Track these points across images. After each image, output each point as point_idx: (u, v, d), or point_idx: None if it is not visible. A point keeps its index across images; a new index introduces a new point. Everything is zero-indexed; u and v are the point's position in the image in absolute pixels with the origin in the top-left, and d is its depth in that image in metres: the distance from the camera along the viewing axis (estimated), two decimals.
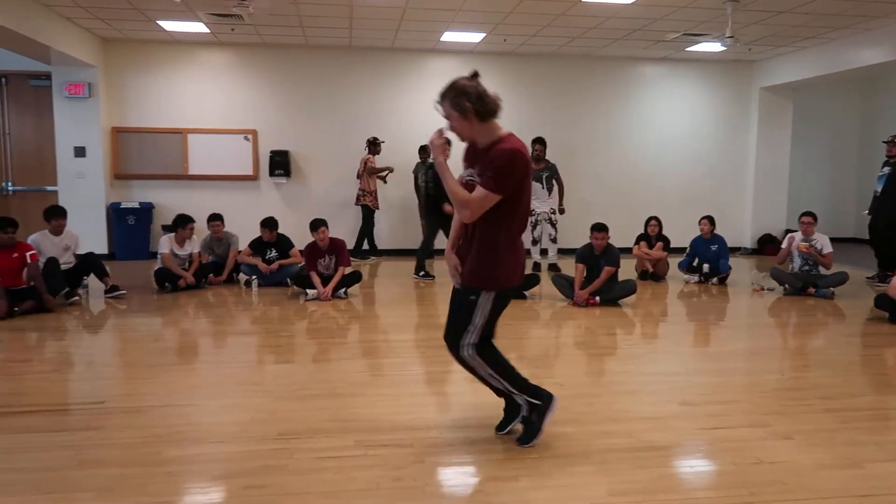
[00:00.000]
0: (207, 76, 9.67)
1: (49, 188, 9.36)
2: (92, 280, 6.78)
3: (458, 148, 3.01)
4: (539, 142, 8.56)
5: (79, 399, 3.81)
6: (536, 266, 8.55)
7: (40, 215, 6.54)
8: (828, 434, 3.24)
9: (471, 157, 2.97)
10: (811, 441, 3.15)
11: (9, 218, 5.88)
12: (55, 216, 6.44)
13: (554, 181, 8.59)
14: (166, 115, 9.58)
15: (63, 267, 6.32)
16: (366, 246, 9.53)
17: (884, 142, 8.30)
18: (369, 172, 9.27)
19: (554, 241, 8.63)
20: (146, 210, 9.38)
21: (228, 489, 2.64)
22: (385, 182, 9.65)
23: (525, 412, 3.09)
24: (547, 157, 8.60)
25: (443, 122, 2.97)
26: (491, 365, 2.99)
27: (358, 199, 9.36)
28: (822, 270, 7.17)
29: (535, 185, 8.50)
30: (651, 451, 3.01)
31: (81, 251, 6.71)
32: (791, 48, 9.66)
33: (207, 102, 9.67)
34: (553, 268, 8.39)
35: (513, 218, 2.85)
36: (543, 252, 8.76)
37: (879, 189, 8.00)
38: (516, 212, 2.85)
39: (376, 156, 9.40)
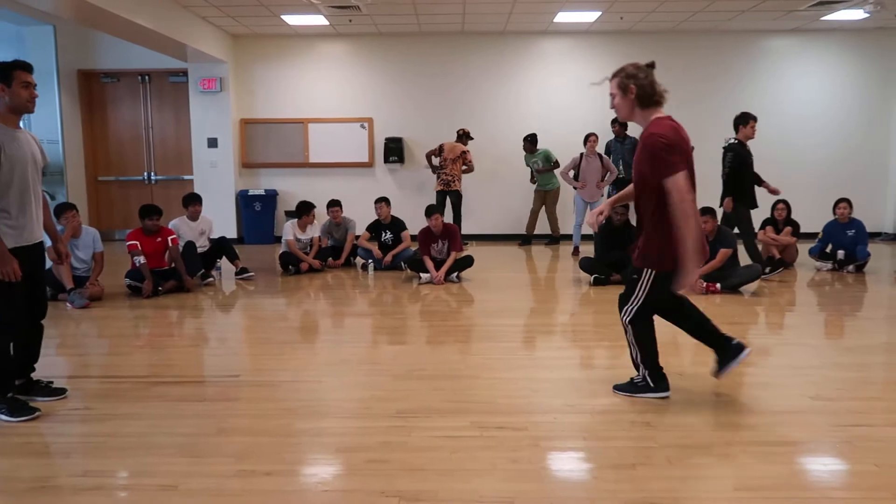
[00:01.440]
0: (326, 67, 10.05)
1: (186, 177, 10.11)
2: (224, 262, 7.27)
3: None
4: (623, 125, 8.37)
5: (216, 372, 4.12)
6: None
7: (179, 202, 7.08)
8: None
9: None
10: None
11: (154, 206, 6.40)
12: (192, 203, 6.95)
13: None
14: (289, 105, 10.06)
15: (199, 250, 6.81)
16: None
17: None
18: (467, 168, 9.08)
19: None
20: (271, 197, 9.92)
21: (352, 462, 2.77)
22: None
23: (639, 379, 3.44)
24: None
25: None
26: (636, 336, 3.36)
27: (449, 184, 9.02)
28: None
29: None
30: (781, 447, 2.86)
31: (214, 235, 7.20)
32: None
33: (326, 92, 10.06)
34: None
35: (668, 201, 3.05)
36: None
37: None
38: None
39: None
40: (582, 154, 8.45)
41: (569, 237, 9.21)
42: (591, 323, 5.33)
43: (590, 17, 8.92)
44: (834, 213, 7.52)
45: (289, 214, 9.03)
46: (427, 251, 6.89)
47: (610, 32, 9.78)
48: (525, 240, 9.69)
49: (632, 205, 3.55)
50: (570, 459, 2.83)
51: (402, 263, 7.39)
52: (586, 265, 6.75)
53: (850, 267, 7.22)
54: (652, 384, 3.38)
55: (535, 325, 5.24)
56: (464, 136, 9.23)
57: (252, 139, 10.10)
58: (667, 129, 3.03)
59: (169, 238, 6.37)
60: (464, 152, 9.05)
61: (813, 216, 8.23)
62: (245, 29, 9.49)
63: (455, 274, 6.89)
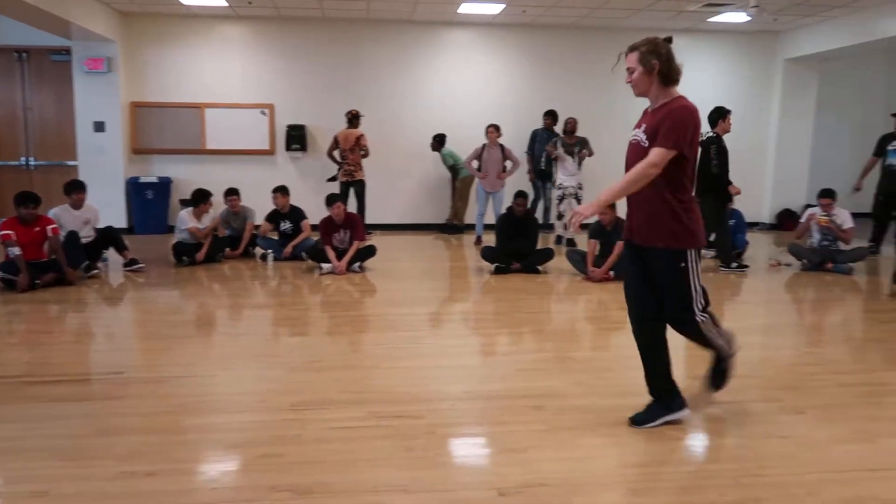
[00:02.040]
0: (225, 50, 9.67)
1: (69, 163, 9.47)
2: (111, 253, 6.88)
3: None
4: (553, 117, 8.62)
5: (99, 369, 3.89)
6: (559, 239, 8.56)
7: (61, 190, 6.62)
8: (841, 409, 3.23)
9: (642, 118, 3.11)
10: (824, 416, 3.15)
11: (31, 193, 5.95)
12: (75, 190, 6.52)
13: (584, 154, 8.58)
14: (184, 89, 9.61)
15: (83, 240, 6.40)
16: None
17: (892, 115, 8.19)
18: (364, 153, 8.93)
19: None
20: (164, 185, 9.47)
21: (244, 457, 2.69)
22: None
23: (716, 362, 3.10)
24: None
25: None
26: (715, 322, 3.05)
27: (352, 174, 8.88)
28: (842, 246, 7.06)
29: (567, 159, 8.50)
30: (664, 425, 3.02)
31: (101, 225, 6.79)
32: (817, 18, 9.42)
33: (225, 77, 9.68)
34: (570, 243, 8.36)
35: (691, 176, 2.92)
36: (566, 226, 8.74)
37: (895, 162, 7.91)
38: (693, 169, 2.94)
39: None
40: (484, 145, 8.57)
41: (470, 227, 9.36)
42: (492, 311, 5.43)
43: (494, 9, 9.03)
44: None
45: (184, 203, 8.64)
46: (329, 241, 6.79)
47: (514, 25, 9.95)
48: (455, 229, 9.83)
49: None
50: (465, 445, 2.87)
51: (303, 254, 7.24)
52: (488, 254, 6.87)
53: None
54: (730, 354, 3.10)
55: (436, 313, 5.28)
56: (354, 119, 9.02)
57: (143, 124, 9.58)
58: (696, 112, 2.92)
59: (48, 228, 5.95)
60: (358, 138, 8.90)
61: None
62: (136, 6, 8.97)
63: (357, 264, 6.82)
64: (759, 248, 8.50)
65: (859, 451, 2.78)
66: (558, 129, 9.34)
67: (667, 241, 2.87)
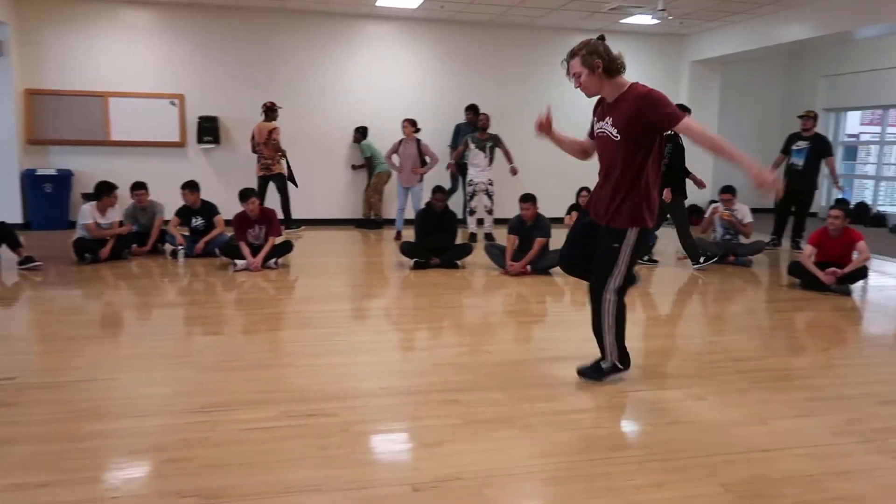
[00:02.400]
0: (131, 37, 9.20)
1: None
2: (4, 251, 6.43)
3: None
4: (475, 111, 8.71)
5: None
6: (472, 236, 8.60)
7: None
8: (738, 394, 3.42)
9: (602, 111, 3.25)
10: (723, 401, 3.31)
11: None
12: None
13: (496, 151, 8.63)
14: (86, 77, 9.09)
15: None
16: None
17: (799, 116, 8.69)
18: (275, 148, 8.78)
19: (490, 212, 8.67)
20: (64, 177, 8.94)
21: (149, 463, 2.58)
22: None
23: (607, 364, 3.43)
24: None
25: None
26: (619, 309, 3.31)
27: (269, 168, 8.78)
28: (742, 239, 7.47)
29: (478, 154, 8.54)
30: (573, 414, 3.11)
31: None
32: (720, 22, 9.91)
33: (131, 65, 9.22)
34: (488, 237, 8.45)
35: (655, 158, 3.14)
36: (479, 222, 8.81)
37: (801, 163, 8.39)
38: (657, 152, 3.16)
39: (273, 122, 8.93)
40: (401, 139, 8.55)
41: (389, 222, 9.33)
42: (411, 306, 5.42)
43: (412, 2, 9.00)
44: None
45: (87, 197, 8.19)
46: (243, 237, 6.60)
47: (432, 20, 9.96)
48: (374, 224, 9.78)
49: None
50: (380, 442, 2.85)
51: (216, 250, 7.01)
52: (407, 249, 6.85)
53: None
54: (620, 366, 3.43)
55: (354, 309, 5.22)
56: (270, 111, 8.81)
57: (40, 113, 9.00)
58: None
59: None
60: (270, 131, 8.70)
61: None
62: None
63: (274, 260, 6.66)
64: (668, 242, 8.86)
65: (754, 434, 2.94)
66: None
67: (615, 220, 3.17)
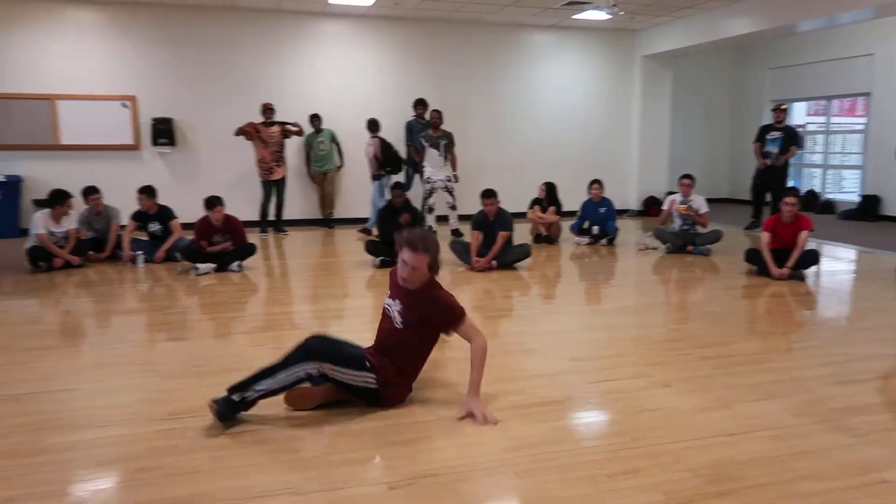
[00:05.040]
0: (77, 37, 8.94)
1: None
2: None
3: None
4: (429, 109, 8.85)
5: None
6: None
7: None
8: (703, 380, 3.50)
9: (398, 292, 3.18)
10: (688, 387, 3.40)
11: None
12: None
13: (450, 149, 8.62)
14: (31, 79, 8.80)
15: None
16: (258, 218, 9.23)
17: (772, 109, 9.37)
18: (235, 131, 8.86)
19: (453, 207, 8.69)
20: (13, 183, 8.64)
21: (117, 474, 2.52)
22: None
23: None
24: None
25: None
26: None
27: (271, 171, 8.93)
28: (700, 229, 7.65)
29: (432, 152, 8.53)
30: (543, 406, 3.15)
31: None
32: (670, 17, 10.11)
33: (78, 66, 8.96)
34: (455, 233, 8.47)
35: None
36: (442, 219, 8.83)
37: (775, 150, 8.97)
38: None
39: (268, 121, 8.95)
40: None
41: (345, 220, 9.29)
42: (377, 305, 5.40)
43: (366, 0, 8.95)
44: (588, 193, 8.40)
45: (38, 203, 7.94)
46: (204, 246, 6.51)
47: (387, 17, 9.92)
48: (327, 223, 9.73)
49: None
50: (353, 441, 2.84)
51: (177, 254, 6.87)
52: (372, 248, 6.83)
53: (604, 240, 8.13)
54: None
55: (319, 310, 5.18)
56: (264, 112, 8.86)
57: None
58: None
59: None
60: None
61: (573, 196, 9.12)
62: None
63: (236, 263, 6.57)
64: (628, 233, 9.03)
65: (719, 418, 3.02)
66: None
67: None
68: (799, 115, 12.80)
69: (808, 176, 12.52)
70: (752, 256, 6.43)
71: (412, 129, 9.40)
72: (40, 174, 8.82)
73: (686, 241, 7.53)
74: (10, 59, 8.71)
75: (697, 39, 9.93)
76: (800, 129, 13.12)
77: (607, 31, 11.04)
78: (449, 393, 3.29)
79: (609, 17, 9.85)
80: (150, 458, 2.63)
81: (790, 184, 11.55)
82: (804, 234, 6.06)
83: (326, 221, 9.84)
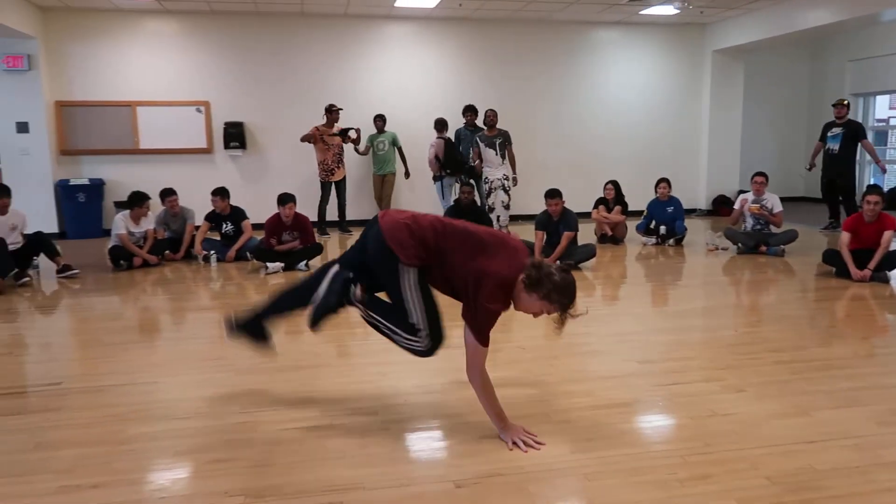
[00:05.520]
0: (155, 46, 9.35)
1: None
2: (43, 260, 6.59)
3: None
4: (479, 115, 8.93)
5: (34, 381, 3.72)
6: None
7: None
8: (778, 385, 3.37)
9: None
10: (762, 392, 3.28)
11: None
12: None
13: (507, 149, 8.59)
14: (113, 87, 9.26)
15: (11, 247, 6.11)
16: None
17: (833, 105, 8.81)
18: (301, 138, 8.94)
19: (507, 207, 8.66)
20: (96, 186, 9.11)
21: (194, 464, 2.63)
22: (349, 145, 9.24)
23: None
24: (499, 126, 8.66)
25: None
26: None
27: (331, 172, 9.04)
28: (773, 229, 7.37)
29: (489, 152, 8.52)
30: (611, 409, 3.10)
31: (29, 230, 6.49)
32: (741, 10, 9.77)
33: (156, 74, 9.37)
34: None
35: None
36: (497, 219, 8.81)
37: (836, 147, 8.61)
38: None
39: (333, 124, 9.09)
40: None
41: None
42: (443, 303, 5.41)
43: (430, 2, 9.02)
44: (655, 192, 8.22)
45: (119, 205, 8.35)
46: (273, 244, 6.70)
47: (451, 19, 9.96)
48: None
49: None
50: (420, 440, 2.87)
51: (248, 254, 7.09)
52: None
53: (671, 241, 7.94)
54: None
55: None
56: (328, 114, 8.95)
57: (70, 124, 9.19)
58: None
59: None
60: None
61: (640, 195, 8.95)
62: (56, 1, 8.58)
63: (304, 262, 6.73)
64: (696, 233, 8.78)
65: (796, 425, 2.91)
66: (480, 122, 9.29)
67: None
68: (882, 108, 12.16)
69: (891, 172, 11.88)
70: (831, 258, 6.15)
71: (460, 138, 9.25)
72: (121, 177, 9.26)
73: (758, 242, 7.27)
74: (96, 69, 9.18)
75: (772, 32, 9.56)
76: (881, 124, 12.49)
77: (675, 25, 10.77)
78: (517, 393, 3.28)
79: (677, 11, 9.60)
80: (225, 450, 2.72)
81: (870, 181, 11.05)
82: (889, 234, 5.76)
83: None
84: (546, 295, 2.61)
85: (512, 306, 2.73)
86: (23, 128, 8.81)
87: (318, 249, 6.91)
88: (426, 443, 2.84)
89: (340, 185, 9.19)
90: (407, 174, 9.61)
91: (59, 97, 9.11)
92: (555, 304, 2.63)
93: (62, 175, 9.13)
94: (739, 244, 7.38)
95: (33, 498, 2.37)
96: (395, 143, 9.55)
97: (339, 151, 9.06)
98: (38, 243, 6.43)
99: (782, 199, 7.49)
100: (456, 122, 9.52)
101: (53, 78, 9.07)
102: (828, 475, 2.47)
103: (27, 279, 6.22)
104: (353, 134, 9.04)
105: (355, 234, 9.26)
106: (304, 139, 8.87)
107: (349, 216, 9.54)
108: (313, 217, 9.08)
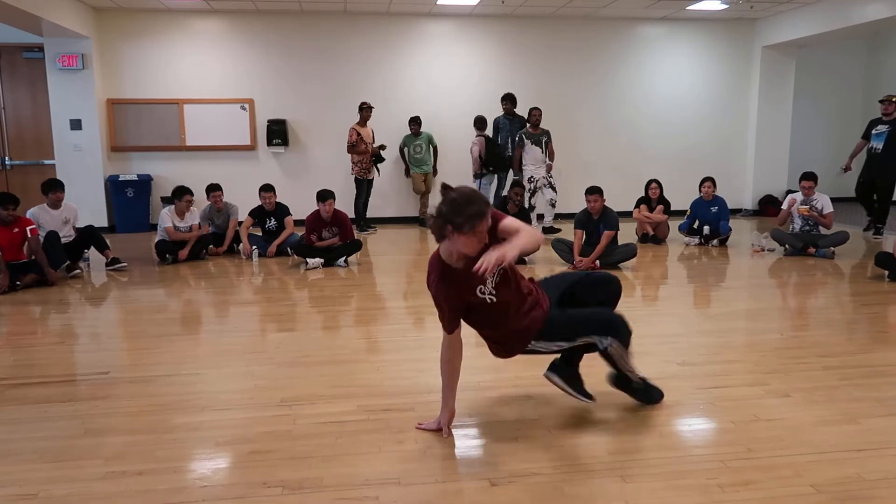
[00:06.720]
0: (202, 45, 9.55)
1: (46, 162, 9.33)
2: (93, 253, 6.80)
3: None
4: (513, 101, 9.13)
5: (84, 370, 3.84)
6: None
7: (38, 189, 6.53)
8: (826, 391, 3.27)
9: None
10: (809, 398, 3.18)
11: (9, 194, 5.86)
12: (53, 189, 6.42)
13: (549, 145, 8.59)
14: (162, 85, 9.49)
15: (63, 240, 6.32)
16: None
17: (880, 101, 8.39)
18: (349, 149, 9.08)
19: (553, 205, 8.61)
20: (144, 182, 9.35)
21: (234, 454, 2.68)
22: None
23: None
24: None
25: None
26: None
27: (366, 170, 9.20)
28: (823, 230, 7.15)
29: (535, 150, 8.49)
30: (651, 411, 3.05)
31: (81, 224, 6.71)
32: (793, 5, 9.49)
33: (202, 72, 9.57)
34: (552, 230, 8.38)
35: None
36: (539, 217, 8.75)
37: (880, 146, 8.10)
38: None
39: (366, 122, 9.16)
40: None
41: None
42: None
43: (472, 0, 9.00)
44: (700, 192, 8.05)
45: (165, 200, 8.56)
46: (318, 238, 6.78)
47: (492, 16, 9.92)
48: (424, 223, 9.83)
49: None
50: (456, 437, 2.86)
51: (289, 249, 7.20)
52: None
53: (715, 241, 7.77)
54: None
55: (423, 306, 5.26)
56: (361, 111, 9.08)
57: (121, 121, 9.45)
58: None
59: (27, 228, 5.87)
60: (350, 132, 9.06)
61: (683, 194, 8.78)
62: (108, 2, 8.83)
63: (343, 258, 6.79)
64: (741, 234, 8.58)
65: (844, 432, 2.82)
66: (517, 111, 9.31)
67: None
68: None
69: None
70: (884, 260, 5.93)
71: (498, 127, 9.29)
72: (168, 173, 9.50)
73: (807, 243, 7.05)
74: (146, 67, 9.43)
75: (826, 27, 9.25)
76: None
77: (724, 21, 10.52)
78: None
79: (726, 6, 9.38)
80: (264, 442, 2.77)
81: None
82: None
83: (422, 220, 9.93)
84: (452, 225, 2.47)
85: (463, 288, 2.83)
86: (76, 125, 9.11)
87: (358, 246, 6.97)
88: (461, 440, 2.84)
89: (371, 184, 9.32)
90: (434, 171, 9.70)
91: (110, 95, 9.38)
92: (466, 224, 2.44)
93: (112, 171, 9.41)
94: (786, 245, 7.18)
95: (82, 483, 2.45)
96: (430, 142, 9.62)
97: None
98: (88, 236, 6.64)
99: (833, 200, 7.26)
100: (493, 120, 9.49)
101: (105, 76, 9.34)
102: (878, 485, 2.39)
103: (78, 271, 6.42)
104: (383, 154, 9.22)
105: (391, 232, 9.31)
106: (350, 148, 8.96)
107: (390, 213, 9.61)
108: (351, 214, 9.20)
